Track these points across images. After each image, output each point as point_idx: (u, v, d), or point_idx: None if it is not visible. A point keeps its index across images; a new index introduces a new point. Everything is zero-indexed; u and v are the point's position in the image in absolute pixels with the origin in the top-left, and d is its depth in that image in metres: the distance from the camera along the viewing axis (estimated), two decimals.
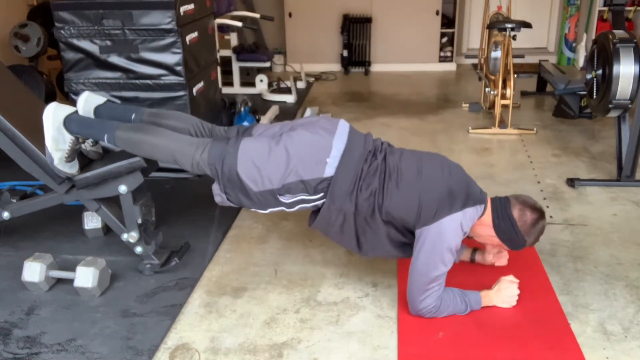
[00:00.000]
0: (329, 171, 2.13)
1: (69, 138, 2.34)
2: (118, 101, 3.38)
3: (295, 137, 2.17)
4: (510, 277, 2.27)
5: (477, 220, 2.17)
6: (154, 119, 2.46)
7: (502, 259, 2.49)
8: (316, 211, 2.24)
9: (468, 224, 2.13)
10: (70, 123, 2.34)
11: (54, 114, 2.31)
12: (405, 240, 2.23)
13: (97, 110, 2.49)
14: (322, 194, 2.15)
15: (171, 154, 2.26)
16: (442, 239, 2.08)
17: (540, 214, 2.17)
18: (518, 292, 2.25)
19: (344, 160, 2.15)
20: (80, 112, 2.44)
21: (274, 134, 2.24)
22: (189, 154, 2.22)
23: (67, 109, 2.37)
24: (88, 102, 2.47)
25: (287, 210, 2.22)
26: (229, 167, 2.16)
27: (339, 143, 2.17)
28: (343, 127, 2.24)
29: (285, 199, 2.17)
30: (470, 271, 2.49)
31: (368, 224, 2.19)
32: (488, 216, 2.18)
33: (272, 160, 2.14)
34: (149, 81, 3.37)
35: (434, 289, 2.12)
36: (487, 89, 4.80)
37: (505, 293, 2.24)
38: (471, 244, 2.55)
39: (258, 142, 2.20)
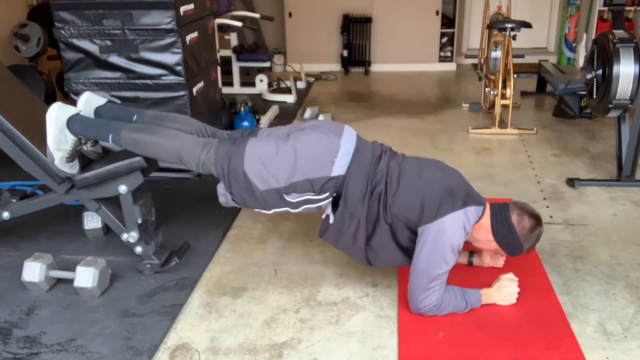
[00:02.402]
0: (336, 171, 2.14)
1: (71, 139, 2.34)
2: (118, 101, 3.38)
3: (302, 138, 2.19)
4: (510, 275, 2.27)
5: (476, 224, 2.18)
6: (156, 121, 2.46)
7: (499, 261, 2.50)
8: (326, 219, 2.24)
9: (470, 223, 2.14)
10: (74, 124, 2.34)
11: (57, 114, 2.31)
12: (411, 245, 2.21)
13: (98, 111, 2.49)
14: (327, 194, 2.16)
15: (176, 154, 2.27)
16: (444, 236, 2.08)
17: (538, 220, 2.20)
18: (518, 289, 2.25)
19: (355, 164, 2.16)
20: (81, 112, 2.44)
21: (281, 135, 2.26)
22: (194, 153, 2.24)
23: (71, 110, 2.37)
24: (89, 102, 2.48)
25: (292, 210, 2.22)
26: (236, 166, 2.17)
27: (348, 144, 2.19)
28: (350, 131, 2.27)
29: (291, 198, 2.17)
30: (470, 270, 2.49)
31: (375, 229, 2.18)
32: (487, 220, 2.20)
33: (279, 159, 2.15)
34: (149, 81, 3.37)
35: (435, 287, 2.12)
36: (487, 89, 4.80)
37: (505, 291, 2.24)
38: (468, 248, 2.56)
39: (265, 142, 2.22)
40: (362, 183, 2.14)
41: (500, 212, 2.19)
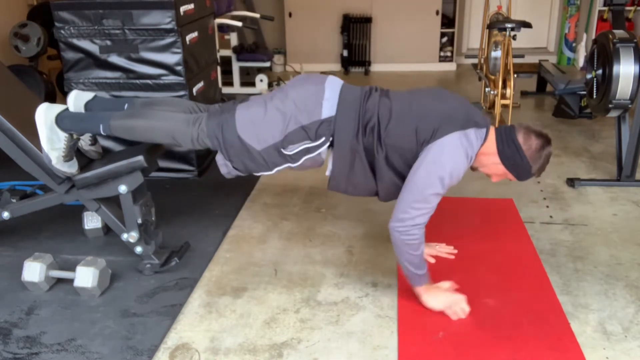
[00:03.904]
0: (326, 112, 2.15)
1: (62, 136, 2.34)
2: None
3: (288, 91, 2.23)
4: (462, 298, 2.22)
5: (481, 149, 2.13)
6: (147, 107, 2.45)
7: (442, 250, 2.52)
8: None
9: (473, 146, 2.09)
10: (63, 120, 2.34)
11: (45, 114, 2.32)
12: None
13: (88, 105, 2.48)
14: (323, 138, 2.16)
15: (169, 134, 2.28)
16: (442, 155, 2.05)
17: (546, 139, 2.14)
18: (460, 310, 2.18)
19: (343, 103, 2.17)
20: (71, 110, 2.43)
21: (268, 97, 2.28)
22: (186, 130, 2.25)
23: (58, 108, 2.37)
24: (78, 99, 2.47)
25: (293, 165, 2.23)
26: (230, 132, 2.20)
27: (333, 86, 2.22)
28: (334, 79, 2.28)
29: (289, 150, 2.18)
30: (469, 271, 2.49)
31: (374, 162, 2.18)
32: (492, 144, 2.15)
33: (269, 115, 2.18)
34: (149, 81, 3.37)
35: (422, 210, 2.07)
36: (487, 89, 4.80)
37: (449, 299, 2.20)
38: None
39: (253, 104, 2.26)
40: (353, 120, 2.15)
41: (506, 133, 2.14)
